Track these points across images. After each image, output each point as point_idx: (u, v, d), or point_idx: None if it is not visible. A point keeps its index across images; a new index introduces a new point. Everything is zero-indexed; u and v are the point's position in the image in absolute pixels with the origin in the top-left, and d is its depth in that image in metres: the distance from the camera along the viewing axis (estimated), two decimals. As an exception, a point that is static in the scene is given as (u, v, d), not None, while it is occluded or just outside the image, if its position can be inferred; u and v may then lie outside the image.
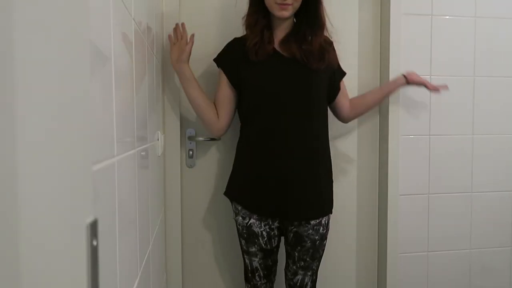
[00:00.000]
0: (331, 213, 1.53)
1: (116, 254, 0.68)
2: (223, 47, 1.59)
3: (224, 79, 1.53)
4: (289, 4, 1.39)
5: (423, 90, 1.88)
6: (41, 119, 0.31)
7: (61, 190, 0.36)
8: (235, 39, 1.56)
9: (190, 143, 1.80)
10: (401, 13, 1.83)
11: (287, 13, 1.41)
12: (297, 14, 1.49)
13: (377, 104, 1.77)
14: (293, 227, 1.48)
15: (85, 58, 0.43)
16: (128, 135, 0.82)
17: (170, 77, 1.73)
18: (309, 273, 1.51)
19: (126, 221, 0.78)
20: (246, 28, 1.50)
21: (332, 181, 1.56)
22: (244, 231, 1.50)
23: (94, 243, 0.44)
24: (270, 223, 1.48)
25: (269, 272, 1.56)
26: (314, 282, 1.54)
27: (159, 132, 1.49)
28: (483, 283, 1.99)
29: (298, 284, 1.52)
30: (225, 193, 1.59)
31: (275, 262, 1.57)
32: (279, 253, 1.59)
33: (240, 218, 1.50)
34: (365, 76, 1.92)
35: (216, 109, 1.56)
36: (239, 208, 1.50)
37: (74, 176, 0.39)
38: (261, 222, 1.47)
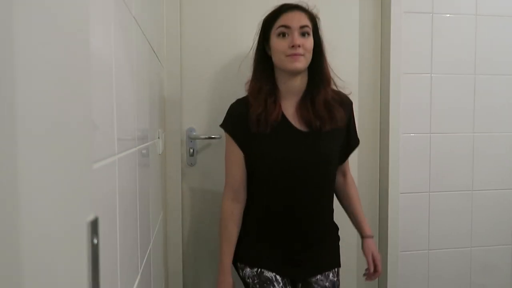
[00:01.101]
0: (340, 266, 1.46)
1: (117, 252, 0.68)
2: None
3: (233, 143, 1.38)
4: (300, 55, 1.27)
5: (423, 88, 1.89)
6: (41, 118, 0.31)
7: (62, 189, 0.36)
8: (238, 102, 1.41)
9: (191, 141, 1.80)
10: (402, 11, 1.83)
11: (300, 64, 1.28)
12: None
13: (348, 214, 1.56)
14: (301, 274, 1.40)
15: (85, 56, 0.43)
16: (128, 133, 0.82)
17: (171, 75, 1.73)
18: None
19: (126, 219, 0.79)
20: (249, 95, 1.37)
21: (339, 238, 1.49)
22: (256, 280, 1.34)
23: (95, 241, 0.44)
24: (280, 268, 1.37)
25: None
26: None
27: (159, 130, 1.49)
28: (484, 281, 1.99)
29: None
30: (234, 261, 1.42)
31: None
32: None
33: (248, 269, 1.37)
34: (366, 75, 1.92)
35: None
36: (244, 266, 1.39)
37: (75, 174, 0.39)
38: (272, 267, 1.36)
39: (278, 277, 1.35)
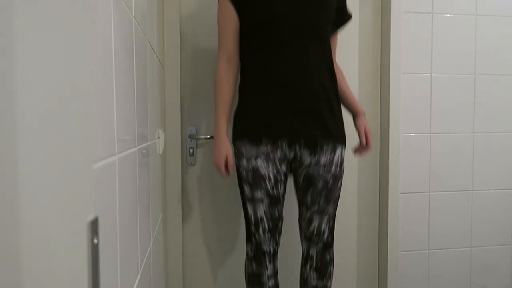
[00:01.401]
0: (345, 146, 1.48)
1: (117, 252, 0.68)
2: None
3: (228, 5, 1.42)
4: None
5: (423, 88, 1.89)
6: (41, 118, 0.31)
7: (62, 188, 0.36)
8: None
9: (191, 141, 1.80)
10: (402, 11, 1.83)
11: None
12: None
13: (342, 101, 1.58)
14: (303, 168, 1.42)
15: (85, 55, 0.43)
16: (128, 133, 0.82)
17: (171, 75, 1.73)
18: (326, 218, 1.42)
19: (126, 219, 0.79)
20: None
21: (341, 113, 1.50)
22: (250, 175, 1.39)
23: (95, 241, 0.44)
24: (278, 165, 1.40)
25: (275, 226, 1.42)
26: (331, 230, 1.45)
27: (159, 130, 1.49)
28: (484, 281, 1.99)
29: (315, 232, 1.43)
30: (232, 140, 1.47)
31: (280, 216, 1.45)
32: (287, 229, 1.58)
33: (245, 160, 1.40)
34: (366, 74, 1.92)
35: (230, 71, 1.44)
36: (244, 148, 1.40)
37: (75, 174, 0.39)
38: (268, 164, 1.39)
39: (271, 175, 1.40)
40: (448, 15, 1.89)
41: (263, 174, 1.39)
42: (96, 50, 0.57)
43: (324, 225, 1.43)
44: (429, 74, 1.88)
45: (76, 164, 0.39)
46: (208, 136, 1.77)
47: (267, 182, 1.40)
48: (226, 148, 1.41)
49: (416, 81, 1.88)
